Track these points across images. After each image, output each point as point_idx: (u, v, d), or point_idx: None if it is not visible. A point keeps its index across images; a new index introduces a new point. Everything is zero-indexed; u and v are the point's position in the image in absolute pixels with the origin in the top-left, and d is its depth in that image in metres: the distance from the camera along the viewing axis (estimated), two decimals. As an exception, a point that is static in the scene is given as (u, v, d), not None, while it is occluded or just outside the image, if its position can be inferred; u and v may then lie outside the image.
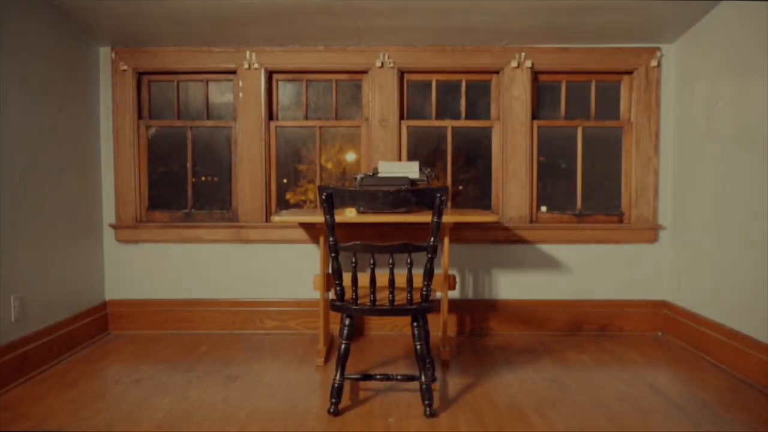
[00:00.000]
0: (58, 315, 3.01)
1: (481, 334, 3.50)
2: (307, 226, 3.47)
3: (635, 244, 3.51)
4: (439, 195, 2.17)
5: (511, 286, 3.54)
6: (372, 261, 2.26)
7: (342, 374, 2.28)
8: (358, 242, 2.23)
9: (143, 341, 3.35)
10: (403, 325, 3.52)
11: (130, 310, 3.53)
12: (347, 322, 2.31)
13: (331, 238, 2.24)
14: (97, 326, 3.39)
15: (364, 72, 3.54)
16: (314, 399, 2.46)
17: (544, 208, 3.59)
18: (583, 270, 3.53)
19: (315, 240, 3.49)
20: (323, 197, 2.19)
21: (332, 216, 2.22)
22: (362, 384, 2.62)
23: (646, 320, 3.52)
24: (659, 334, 3.52)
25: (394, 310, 2.29)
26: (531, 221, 3.53)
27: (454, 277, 3.02)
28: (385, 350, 3.17)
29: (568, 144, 3.60)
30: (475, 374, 2.76)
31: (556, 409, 2.34)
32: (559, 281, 3.53)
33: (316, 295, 3.42)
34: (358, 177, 3.05)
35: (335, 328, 3.40)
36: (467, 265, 3.53)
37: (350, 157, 3.63)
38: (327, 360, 2.96)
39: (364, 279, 2.39)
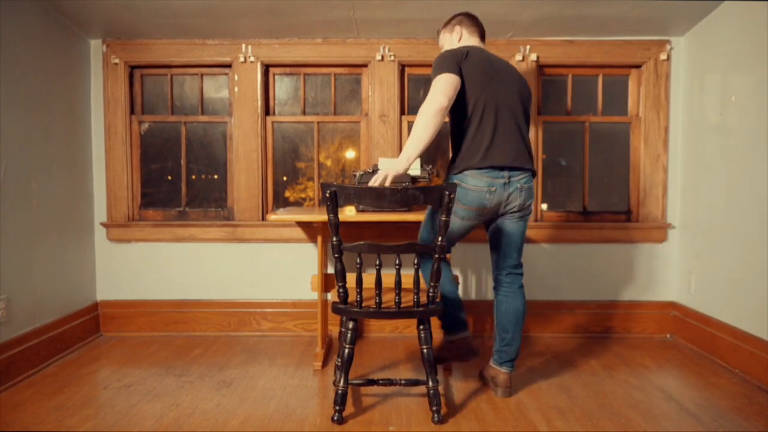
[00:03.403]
0: (46, 317, 2.91)
1: (484, 336, 3.40)
2: (304, 225, 3.36)
3: (643, 244, 3.40)
4: (447, 192, 2.07)
5: (515, 286, 3.43)
6: (378, 262, 2.15)
7: (346, 380, 2.17)
8: (363, 242, 2.12)
9: (135, 343, 3.24)
10: (404, 327, 3.41)
11: (123, 311, 3.43)
12: (350, 325, 2.19)
13: (334, 238, 2.13)
14: (87, 328, 3.29)
15: (364, 66, 3.43)
16: (312, 405, 2.35)
17: (545, 206, 3.49)
18: (589, 270, 3.42)
19: (313, 239, 3.39)
20: (327, 195, 2.07)
21: (336, 215, 2.11)
22: (362, 389, 2.52)
23: (655, 322, 3.42)
24: (668, 336, 3.41)
25: (400, 313, 2.18)
26: (536, 219, 3.43)
27: (456, 277, 2.92)
28: (386, 353, 3.06)
29: (575, 140, 3.50)
30: (479, 378, 2.65)
31: (564, 416, 2.24)
32: (564, 281, 3.43)
33: (314, 296, 3.32)
34: (357, 174, 2.94)
35: (334, 330, 3.30)
36: (470, 265, 3.42)
37: (350, 154, 3.53)
38: (325, 364, 2.86)
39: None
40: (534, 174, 2.35)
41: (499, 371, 2.43)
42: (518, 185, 2.28)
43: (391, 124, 3.37)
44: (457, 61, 2.20)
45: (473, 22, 2.46)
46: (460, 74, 2.19)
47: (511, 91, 2.29)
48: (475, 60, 2.24)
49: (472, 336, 3.40)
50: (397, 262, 2.16)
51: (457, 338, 2.46)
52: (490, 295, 3.42)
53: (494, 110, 2.23)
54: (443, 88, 2.14)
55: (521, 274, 2.45)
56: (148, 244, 3.43)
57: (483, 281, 3.43)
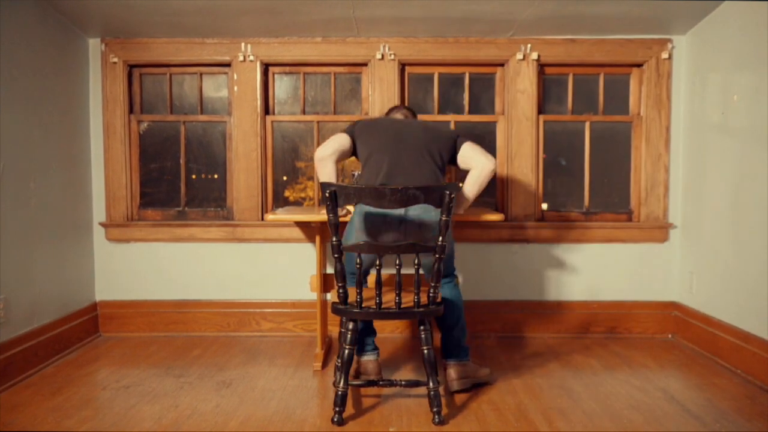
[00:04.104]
0: (44, 317, 2.89)
1: (484, 337, 3.38)
2: (302, 225, 3.35)
3: (645, 243, 3.39)
4: (448, 192, 2.05)
5: (516, 286, 3.42)
6: (378, 262, 2.14)
7: (346, 381, 2.16)
8: (362, 242, 2.11)
9: (134, 344, 3.23)
10: (404, 327, 3.40)
11: (122, 311, 3.41)
12: (350, 326, 2.18)
13: (334, 238, 2.11)
14: (86, 328, 3.27)
15: (364, 65, 3.41)
16: (311, 406, 2.34)
17: (545, 206, 3.47)
18: (590, 270, 3.41)
19: (312, 239, 3.37)
20: (327, 194, 2.06)
21: (335, 214, 2.09)
22: (363, 390, 2.51)
23: (656, 322, 3.40)
24: (670, 336, 3.40)
25: (401, 313, 2.16)
26: (537, 219, 3.41)
27: (456, 277, 2.90)
28: (385, 353, 3.05)
29: (575, 139, 3.48)
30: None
31: (566, 417, 2.23)
32: (565, 281, 3.41)
33: (314, 296, 3.31)
34: (356, 173, 2.92)
35: (334, 330, 3.29)
36: (470, 265, 3.41)
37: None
38: (324, 364, 2.85)
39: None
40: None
41: (448, 364, 2.50)
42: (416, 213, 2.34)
43: (392, 124, 3.35)
44: (353, 126, 2.58)
45: (401, 106, 2.83)
46: (353, 135, 2.54)
47: (404, 140, 2.47)
48: (368, 122, 2.58)
49: (473, 336, 3.40)
50: (397, 262, 2.15)
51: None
52: (491, 295, 3.41)
53: (384, 154, 2.44)
54: (329, 142, 2.51)
55: (450, 280, 2.57)
56: (147, 244, 3.42)
57: (483, 281, 3.41)
